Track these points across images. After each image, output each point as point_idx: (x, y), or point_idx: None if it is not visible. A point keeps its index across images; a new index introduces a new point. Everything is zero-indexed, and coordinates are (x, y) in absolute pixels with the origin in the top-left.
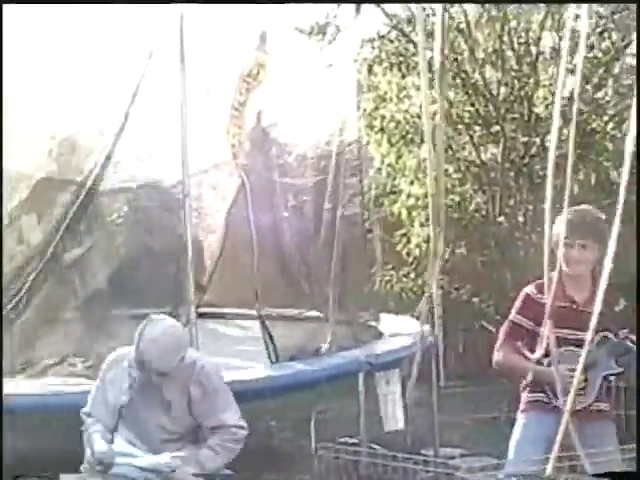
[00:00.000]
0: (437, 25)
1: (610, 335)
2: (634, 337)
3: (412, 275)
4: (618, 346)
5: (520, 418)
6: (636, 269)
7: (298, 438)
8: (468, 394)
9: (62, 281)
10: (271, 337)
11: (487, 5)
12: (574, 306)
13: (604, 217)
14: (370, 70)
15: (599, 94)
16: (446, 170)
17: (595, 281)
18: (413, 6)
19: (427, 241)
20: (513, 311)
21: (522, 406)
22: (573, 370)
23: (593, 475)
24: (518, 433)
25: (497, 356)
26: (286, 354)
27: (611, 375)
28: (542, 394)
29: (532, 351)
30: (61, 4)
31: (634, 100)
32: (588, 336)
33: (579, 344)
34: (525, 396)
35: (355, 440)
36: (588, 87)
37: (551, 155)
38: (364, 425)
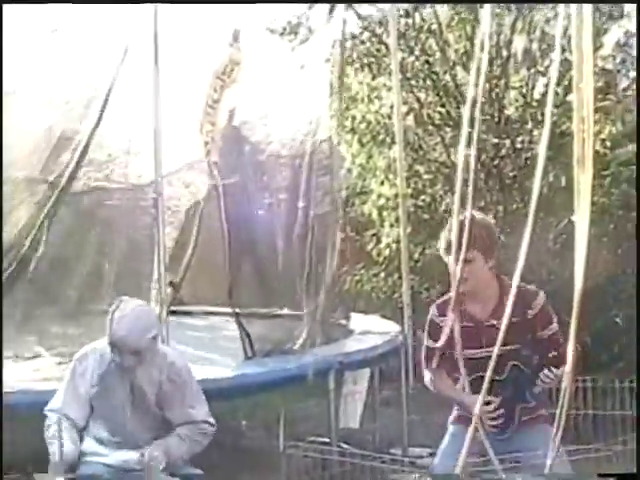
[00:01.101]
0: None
1: (522, 366)
2: (556, 370)
3: (382, 275)
4: (527, 381)
5: (449, 428)
6: (636, 269)
7: (268, 437)
8: (437, 394)
9: (34, 280)
10: (247, 333)
11: (458, 6)
12: (477, 323)
13: (491, 223)
14: (342, 71)
15: (569, 97)
16: (417, 171)
17: (503, 290)
18: (386, 7)
19: (397, 241)
20: (425, 335)
21: (451, 416)
22: (488, 403)
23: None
24: (445, 442)
25: (427, 381)
26: (261, 350)
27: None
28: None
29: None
30: (59, 4)
31: (635, 100)
32: (491, 362)
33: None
34: (454, 408)
35: (325, 439)
36: (558, 90)
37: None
38: (334, 424)
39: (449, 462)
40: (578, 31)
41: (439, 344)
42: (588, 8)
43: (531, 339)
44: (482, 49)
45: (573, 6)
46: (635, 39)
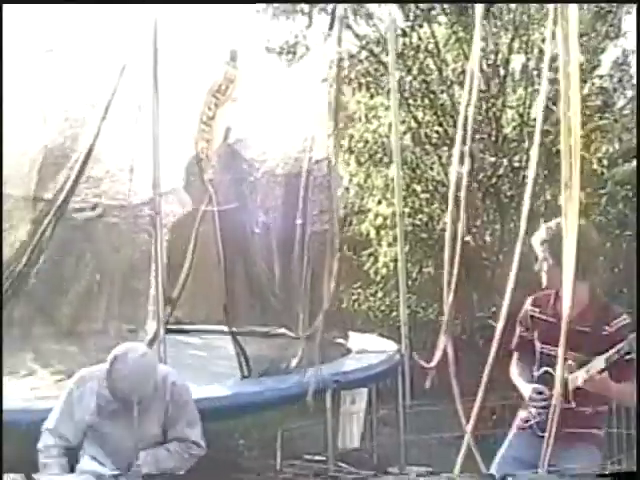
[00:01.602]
0: None
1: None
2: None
3: (379, 294)
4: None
5: (509, 434)
6: (636, 269)
7: (265, 456)
8: (434, 413)
9: (30, 298)
10: (244, 351)
11: (456, 26)
12: (559, 322)
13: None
14: (339, 90)
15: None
16: (414, 190)
17: (592, 301)
18: (383, 27)
19: (394, 260)
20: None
21: (514, 423)
22: (540, 393)
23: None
24: (504, 447)
25: (511, 371)
26: (257, 369)
27: None
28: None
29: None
30: (59, 4)
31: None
32: (559, 360)
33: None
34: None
35: (321, 457)
36: (555, 108)
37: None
38: (331, 443)
39: (505, 466)
40: (565, 53)
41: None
42: (574, 32)
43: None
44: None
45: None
46: (634, 57)
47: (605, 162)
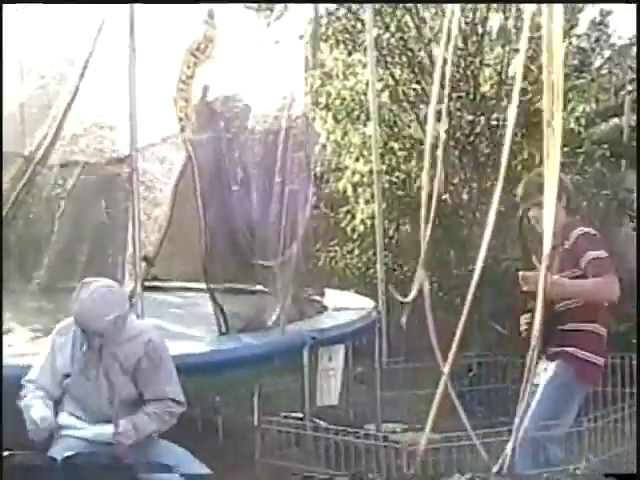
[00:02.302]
0: None
1: None
2: None
3: (356, 252)
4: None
5: None
6: (636, 268)
7: (242, 413)
8: (410, 370)
9: (7, 255)
10: (221, 309)
11: None
12: None
13: None
14: (316, 47)
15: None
16: (391, 148)
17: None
18: None
19: (371, 218)
20: None
21: None
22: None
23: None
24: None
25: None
26: (235, 326)
27: None
28: None
29: None
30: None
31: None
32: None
33: None
34: None
35: (299, 415)
36: (533, 67)
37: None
38: (308, 400)
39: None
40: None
41: None
42: None
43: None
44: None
45: None
46: (609, 18)
47: (582, 121)
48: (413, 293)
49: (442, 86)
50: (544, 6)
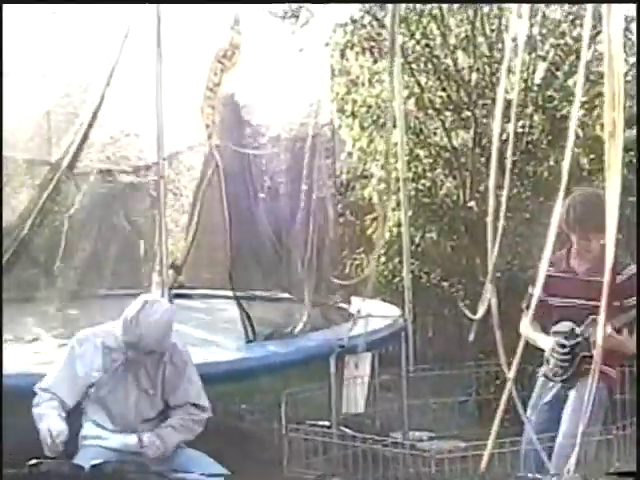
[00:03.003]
0: None
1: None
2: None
3: (382, 259)
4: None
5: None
6: (636, 267)
7: (269, 421)
8: (436, 378)
9: (35, 262)
10: (248, 316)
11: None
12: (575, 276)
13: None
14: (342, 54)
15: (570, 81)
16: (417, 155)
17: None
18: None
19: (397, 225)
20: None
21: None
22: (563, 346)
23: None
24: (533, 395)
25: (521, 327)
26: (262, 333)
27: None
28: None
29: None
30: (59, 4)
31: (635, 100)
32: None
33: (577, 313)
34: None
35: (325, 423)
36: (559, 74)
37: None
38: (335, 408)
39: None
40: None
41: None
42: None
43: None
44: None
45: None
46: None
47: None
48: (482, 309)
49: (468, 94)
50: (604, 12)
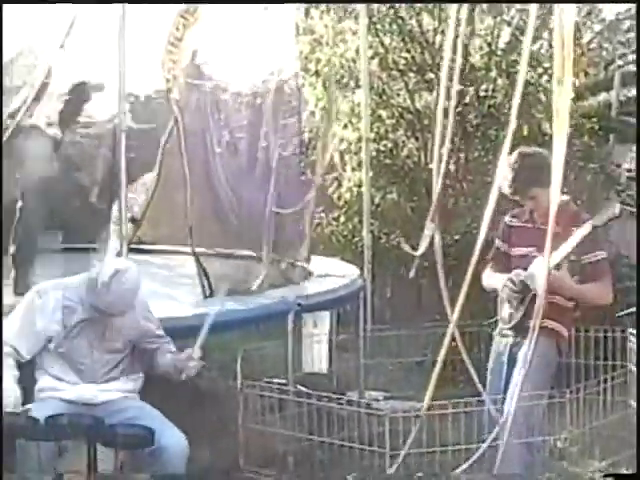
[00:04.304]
0: None
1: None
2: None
3: (342, 219)
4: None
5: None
6: (636, 266)
7: (225, 377)
8: (393, 338)
9: None
10: (205, 272)
11: None
12: (534, 225)
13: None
14: (307, 13)
15: (534, 47)
16: (379, 116)
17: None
18: None
19: (358, 185)
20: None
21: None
22: (513, 283)
23: None
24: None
25: (483, 276)
26: (219, 290)
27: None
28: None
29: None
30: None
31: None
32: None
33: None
34: None
35: (281, 380)
36: (523, 39)
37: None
38: (291, 366)
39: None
40: None
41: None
42: None
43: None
44: None
45: None
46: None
47: (571, 95)
48: (424, 246)
49: (432, 56)
50: None
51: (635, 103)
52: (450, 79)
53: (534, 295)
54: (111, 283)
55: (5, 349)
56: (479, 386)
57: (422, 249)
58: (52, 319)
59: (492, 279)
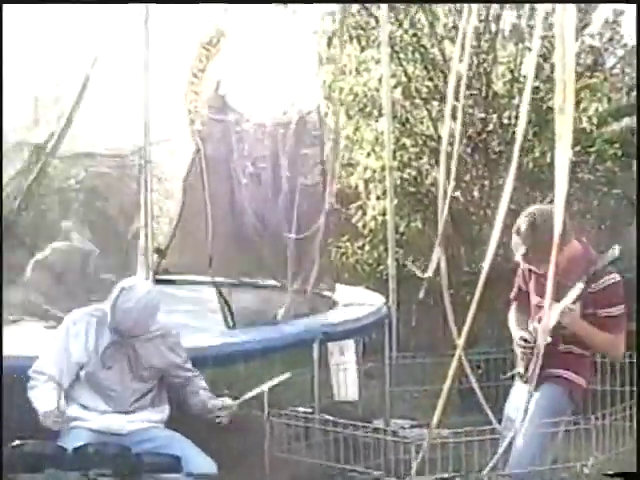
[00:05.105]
0: None
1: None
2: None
3: (367, 247)
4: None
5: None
6: (636, 266)
7: (250, 406)
8: (418, 366)
9: (19, 245)
10: (227, 303)
11: None
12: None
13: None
14: (329, 42)
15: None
16: (403, 144)
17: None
18: None
19: (383, 214)
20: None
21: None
22: (525, 340)
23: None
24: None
25: (509, 318)
26: (243, 320)
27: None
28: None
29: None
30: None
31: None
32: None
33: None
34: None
35: (307, 409)
36: (546, 65)
37: None
38: (317, 394)
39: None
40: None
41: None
42: None
43: (591, 313)
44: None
45: None
46: (623, 17)
47: (594, 120)
48: (431, 269)
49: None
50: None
51: None
52: (471, 106)
53: (548, 346)
54: (116, 301)
55: (43, 377)
56: (488, 412)
57: (430, 272)
58: (85, 346)
59: (512, 325)
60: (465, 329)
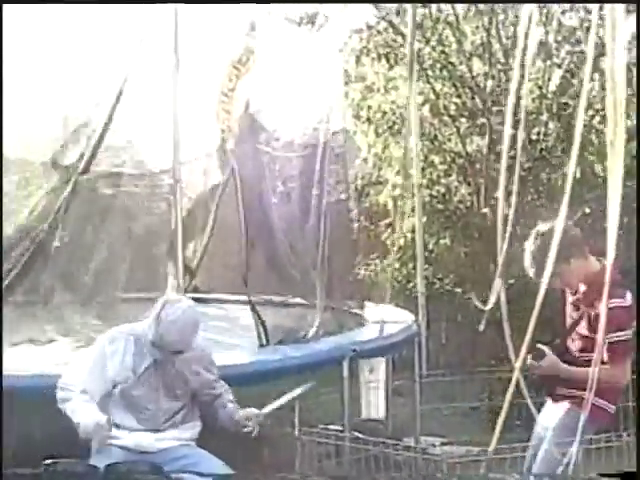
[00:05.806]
0: None
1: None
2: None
3: (396, 265)
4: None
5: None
6: (636, 266)
7: (282, 425)
8: (449, 383)
9: (51, 265)
10: (262, 321)
11: None
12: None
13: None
14: (358, 60)
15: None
16: (432, 161)
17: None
18: None
19: (412, 231)
20: None
21: None
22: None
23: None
24: None
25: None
26: (274, 338)
27: None
28: None
29: None
30: (60, 4)
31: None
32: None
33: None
34: None
35: (338, 427)
36: (574, 81)
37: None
38: (347, 412)
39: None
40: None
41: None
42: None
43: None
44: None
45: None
46: None
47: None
48: (491, 301)
49: (483, 100)
50: (608, 23)
51: None
52: (499, 123)
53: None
54: (160, 314)
55: (78, 389)
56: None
57: (491, 304)
58: (123, 365)
59: None
60: (523, 350)
